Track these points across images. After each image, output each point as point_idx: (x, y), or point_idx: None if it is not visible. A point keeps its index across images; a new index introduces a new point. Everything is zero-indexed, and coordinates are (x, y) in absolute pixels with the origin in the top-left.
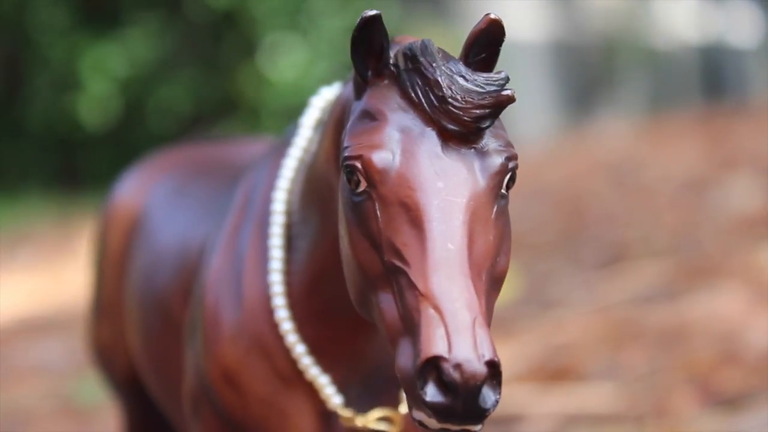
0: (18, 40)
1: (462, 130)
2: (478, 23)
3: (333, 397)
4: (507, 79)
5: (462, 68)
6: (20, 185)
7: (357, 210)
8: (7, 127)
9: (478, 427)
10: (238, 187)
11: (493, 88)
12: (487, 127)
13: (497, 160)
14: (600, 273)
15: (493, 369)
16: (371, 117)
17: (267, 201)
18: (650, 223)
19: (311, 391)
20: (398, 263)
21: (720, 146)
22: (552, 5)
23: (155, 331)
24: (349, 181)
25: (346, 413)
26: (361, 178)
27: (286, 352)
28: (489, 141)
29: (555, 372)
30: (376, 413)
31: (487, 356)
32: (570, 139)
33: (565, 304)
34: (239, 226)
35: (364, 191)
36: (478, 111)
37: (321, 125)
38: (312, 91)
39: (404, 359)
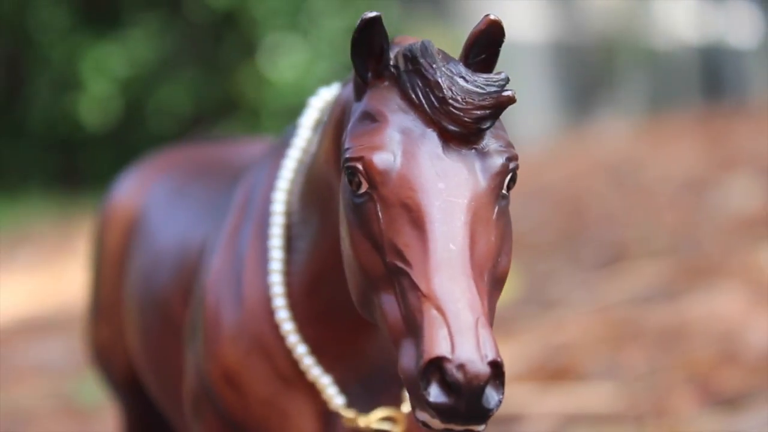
0: (19, 40)
1: (462, 131)
2: (478, 24)
3: (335, 398)
4: (507, 80)
5: (462, 69)
6: (20, 185)
7: (358, 211)
8: (8, 127)
9: (481, 428)
10: (237, 188)
11: (493, 88)
12: (488, 127)
13: (498, 161)
14: (600, 273)
15: (496, 369)
16: (372, 118)
17: (267, 201)
18: (650, 223)
19: (312, 391)
20: (400, 264)
21: (720, 146)
22: (552, 5)
23: (154, 331)
24: (350, 182)
25: (348, 414)
26: (363, 180)
27: (287, 352)
28: (489, 142)
29: (555, 372)
30: (379, 413)
31: (490, 356)
32: (570, 139)
33: (565, 304)
34: (239, 226)
35: (365, 193)
36: (478, 112)
37: (320, 126)
38: (312, 91)
39: (407, 360)
